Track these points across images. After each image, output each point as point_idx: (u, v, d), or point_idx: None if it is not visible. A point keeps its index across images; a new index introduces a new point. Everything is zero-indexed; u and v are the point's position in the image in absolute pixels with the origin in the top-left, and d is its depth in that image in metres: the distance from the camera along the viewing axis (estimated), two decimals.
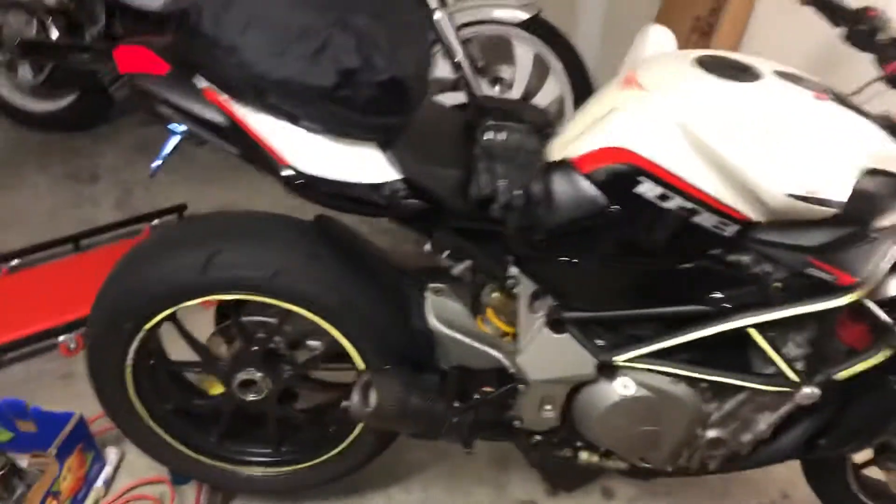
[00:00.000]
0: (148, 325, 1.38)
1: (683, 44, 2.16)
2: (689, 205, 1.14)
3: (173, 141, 1.27)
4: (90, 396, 1.51)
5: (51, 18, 2.80)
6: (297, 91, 1.11)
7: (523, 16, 2.52)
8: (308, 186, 1.19)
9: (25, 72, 2.94)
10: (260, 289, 1.34)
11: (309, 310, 1.36)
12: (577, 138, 1.22)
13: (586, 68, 2.55)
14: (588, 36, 2.61)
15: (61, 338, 2.05)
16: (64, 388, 2.00)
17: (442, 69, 2.67)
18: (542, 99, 2.63)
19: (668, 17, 2.26)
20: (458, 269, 1.40)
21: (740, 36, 2.19)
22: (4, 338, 2.01)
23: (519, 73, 2.62)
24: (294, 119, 1.15)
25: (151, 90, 1.21)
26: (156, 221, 2.52)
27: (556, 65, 2.57)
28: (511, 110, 1.31)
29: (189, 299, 1.36)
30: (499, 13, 2.54)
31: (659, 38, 1.46)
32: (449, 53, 2.53)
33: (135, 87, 1.23)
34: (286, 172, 1.17)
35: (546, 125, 1.31)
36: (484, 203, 1.21)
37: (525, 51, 2.59)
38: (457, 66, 2.52)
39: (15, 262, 2.29)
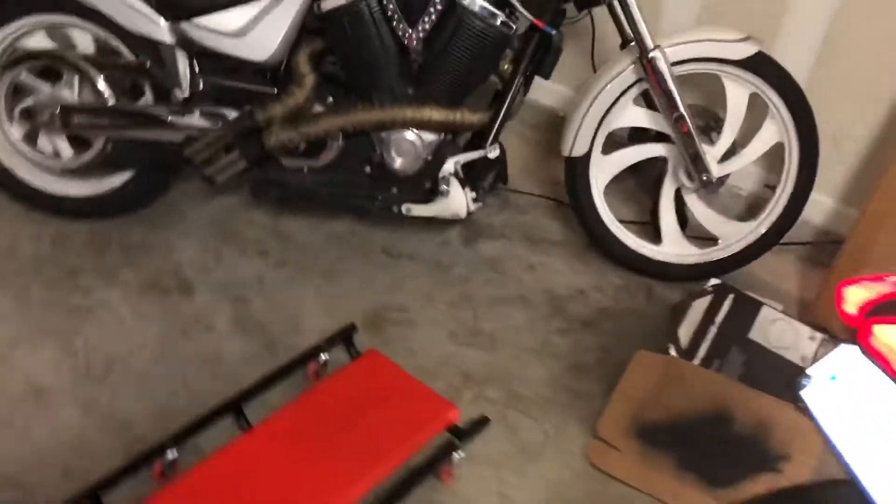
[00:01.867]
0: None
1: None
2: None
3: None
4: None
5: (102, 76, 2.03)
6: None
7: (749, 51, 2.05)
8: None
9: (63, 147, 2.15)
10: None
11: None
12: None
13: (811, 109, 2.12)
14: (797, 62, 2.16)
15: None
16: None
17: (631, 116, 2.18)
18: (758, 147, 2.18)
19: None
20: None
21: None
22: None
23: (731, 119, 2.15)
24: None
25: None
26: (324, 357, 1.88)
27: (778, 107, 2.11)
28: None
29: None
30: (720, 50, 2.05)
31: None
32: (662, 105, 2.04)
33: None
34: None
35: None
36: None
37: (740, 91, 2.12)
38: (676, 123, 2.03)
39: (171, 454, 1.61)
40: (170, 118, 2.05)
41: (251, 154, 2.01)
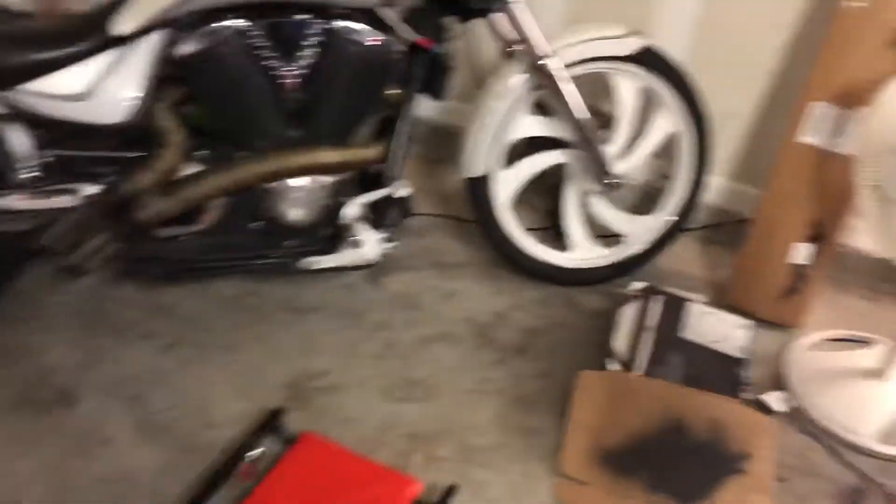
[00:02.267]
0: None
1: (876, 61, 1.82)
2: None
3: None
4: None
5: None
6: None
7: (637, 45, 2.00)
8: None
9: None
10: None
11: None
12: None
13: (701, 96, 2.11)
14: (672, 46, 2.14)
15: None
16: None
17: (527, 126, 2.08)
18: (653, 140, 2.14)
19: (851, 32, 1.88)
20: None
21: None
22: None
23: (624, 115, 2.10)
24: None
25: None
26: (257, 451, 1.65)
27: (669, 99, 2.09)
28: None
29: None
30: (611, 47, 1.98)
31: None
32: (562, 111, 1.96)
33: None
34: None
35: None
36: None
37: (630, 87, 2.07)
38: (578, 128, 1.96)
39: None
40: (7, 204, 1.71)
41: (121, 233, 1.72)
